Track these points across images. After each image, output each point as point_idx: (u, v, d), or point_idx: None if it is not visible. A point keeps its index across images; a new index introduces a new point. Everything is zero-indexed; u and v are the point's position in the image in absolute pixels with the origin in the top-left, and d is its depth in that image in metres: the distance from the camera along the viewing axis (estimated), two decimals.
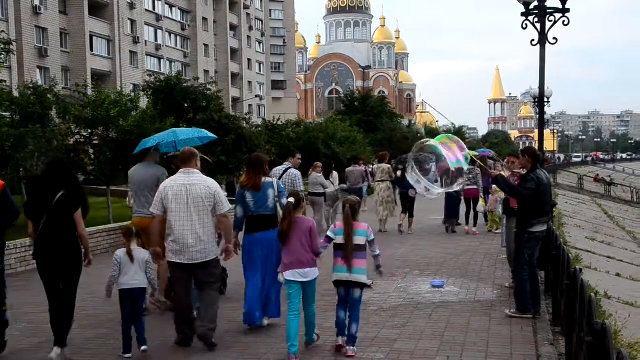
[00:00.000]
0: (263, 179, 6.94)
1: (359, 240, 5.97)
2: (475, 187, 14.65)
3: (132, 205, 8.27)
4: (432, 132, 66.54)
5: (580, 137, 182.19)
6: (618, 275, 12.24)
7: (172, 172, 11.17)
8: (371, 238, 6.07)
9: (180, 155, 6.59)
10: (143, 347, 6.00)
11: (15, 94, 19.55)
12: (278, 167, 9.48)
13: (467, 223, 15.12)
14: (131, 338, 6.04)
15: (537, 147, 12.75)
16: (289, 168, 9.35)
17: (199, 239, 6.14)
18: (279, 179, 8.59)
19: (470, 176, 14.37)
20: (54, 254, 5.96)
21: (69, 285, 6.10)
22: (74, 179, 6.37)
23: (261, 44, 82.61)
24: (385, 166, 15.69)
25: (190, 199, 6.14)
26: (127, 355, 5.97)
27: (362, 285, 6.10)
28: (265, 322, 6.92)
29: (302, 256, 5.93)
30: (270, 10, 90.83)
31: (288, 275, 5.93)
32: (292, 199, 6.08)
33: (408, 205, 15.21)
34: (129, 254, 6.12)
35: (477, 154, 16.46)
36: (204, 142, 9.12)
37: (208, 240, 6.22)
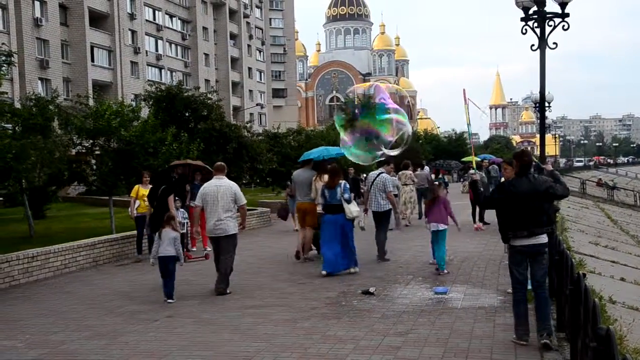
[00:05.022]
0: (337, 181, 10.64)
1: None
2: None
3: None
4: (433, 139, 66.61)
5: (582, 142, 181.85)
6: (622, 279, 12.17)
7: (170, 180, 12.30)
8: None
9: (214, 167, 9.94)
10: (169, 300, 8.83)
11: (17, 105, 19.58)
12: (373, 172, 12.68)
13: (474, 221, 16.53)
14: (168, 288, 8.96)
15: (539, 152, 12.74)
16: (382, 173, 12.13)
17: (222, 221, 9.26)
18: (373, 180, 11.89)
19: None
20: (160, 221, 9.58)
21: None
22: (170, 180, 11.98)
23: (261, 53, 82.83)
24: (408, 172, 18.04)
25: (219, 195, 9.29)
26: (169, 301, 8.86)
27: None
28: (352, 270, 10.49)
29: (437, 217, 10.52)
30: (270, 19, 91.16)
31: (430, 226, 10.56)
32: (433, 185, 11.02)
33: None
34: (160, 234, 9.04)
35: (477, 159, 16.89)
36: (339, 156, 13.49)
37: (228, 222, 9.32)
